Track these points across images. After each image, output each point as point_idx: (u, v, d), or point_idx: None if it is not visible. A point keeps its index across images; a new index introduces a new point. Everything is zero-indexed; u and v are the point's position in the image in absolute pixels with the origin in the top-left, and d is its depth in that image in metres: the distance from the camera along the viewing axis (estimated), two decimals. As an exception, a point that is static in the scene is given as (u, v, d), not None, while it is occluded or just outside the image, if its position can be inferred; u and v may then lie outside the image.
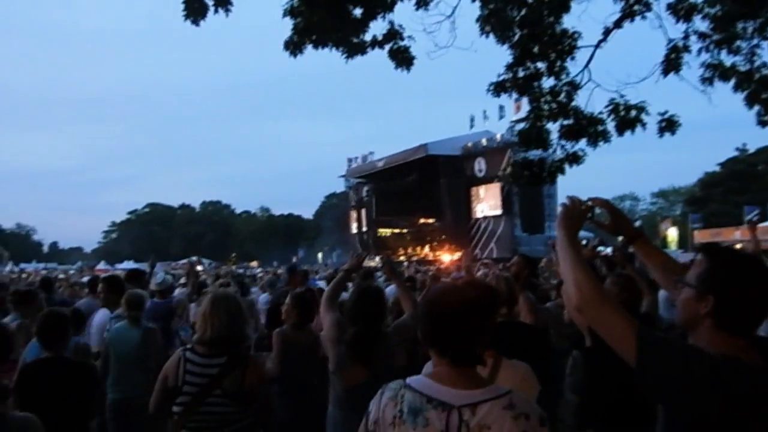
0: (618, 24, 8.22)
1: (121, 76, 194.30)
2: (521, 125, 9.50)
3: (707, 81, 8.52)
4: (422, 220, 46.50)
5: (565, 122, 8.66)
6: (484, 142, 41.56)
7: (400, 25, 7.87)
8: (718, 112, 10.69)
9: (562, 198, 2.06)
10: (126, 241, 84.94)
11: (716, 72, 8.46)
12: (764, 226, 17.77)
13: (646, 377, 1.60)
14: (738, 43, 8.43)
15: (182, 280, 12.17)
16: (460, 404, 1.75)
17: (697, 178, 58.26)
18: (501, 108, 37.77)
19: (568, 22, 8.40)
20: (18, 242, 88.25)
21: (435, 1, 7.98)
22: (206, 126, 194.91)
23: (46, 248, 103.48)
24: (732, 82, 8.54)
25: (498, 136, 39.24)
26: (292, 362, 4.44)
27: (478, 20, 8.50)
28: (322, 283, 9.52)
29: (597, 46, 8.38)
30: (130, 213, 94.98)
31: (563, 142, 8.76)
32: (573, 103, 8.67)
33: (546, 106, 8.75)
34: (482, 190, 43.06)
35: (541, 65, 8.64)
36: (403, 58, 7.96)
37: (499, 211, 41.06)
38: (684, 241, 40.36)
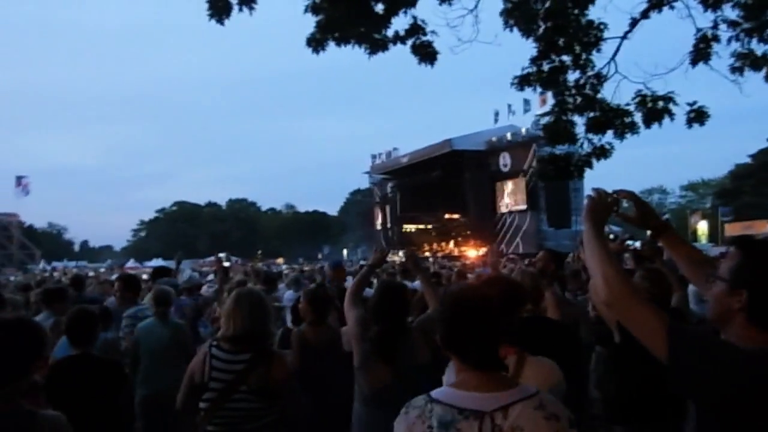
0: (645, 14, 8.07)
1: (147, 74, 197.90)
2: (546, 119, 9.39)
3: (737, 71, 8.28)
4: (447, 216, 46.38)
5: (591, 115, 8.54)
6: (508, 136, 41.39)
7: (423, 20, 7.81)
8: (749, 102, 10.48)
9: (588, 192, 2.03)
10: (154, 239, 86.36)
11: (747, 61, 8.24)
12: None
13: (678, 373, 1.56)
14: (769, 31, 8.21)
15: (209, 277, 12.31)
16: (492, 409, 1.73)
17: (728, 170, 57.37)
18: (526, 102, 37.64)
19: (594, 13, 8.30)
20: (50, 241, 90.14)
21: (458, -5, 7.92)
22: (231, 123, 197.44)
23: (77, 247, 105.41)
24: (763, 71, 8.31)
25: (523, 131, 39.07)
26: (312, 360, 4.43)
27: (501, 14, 8.44)
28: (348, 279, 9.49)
29: (623, 37, 8.25)
30: (158, 211, 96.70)
31: (590, 135, 8.65)
32: (599, 96, 8.55)
33: (571, 99, 8.65)
34: (507, 185, 42.87)
35: (566, 58, 8.53)
36: (426, 53, 7.90)
37: (524, 206, 40.88)
38: (714, 235, 39.75)
